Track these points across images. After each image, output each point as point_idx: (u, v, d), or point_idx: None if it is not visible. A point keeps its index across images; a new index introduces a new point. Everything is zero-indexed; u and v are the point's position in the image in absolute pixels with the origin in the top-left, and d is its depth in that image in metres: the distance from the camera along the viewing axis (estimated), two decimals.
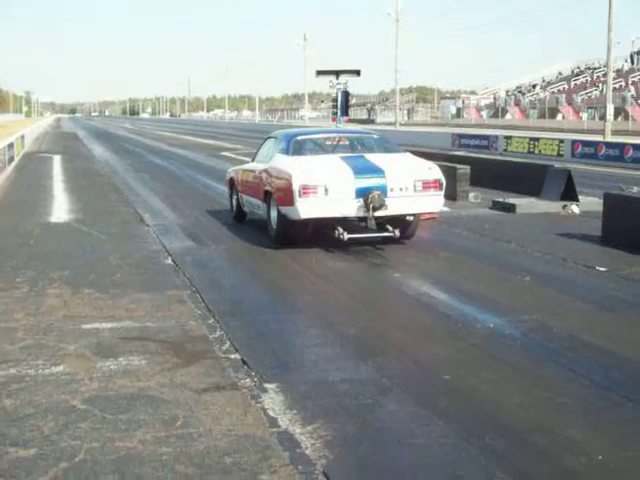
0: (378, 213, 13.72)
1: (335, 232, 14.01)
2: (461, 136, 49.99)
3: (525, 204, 19.44)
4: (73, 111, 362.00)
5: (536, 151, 40.87)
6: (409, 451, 6.12)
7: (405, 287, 11.70)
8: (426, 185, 14.16)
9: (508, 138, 44.61)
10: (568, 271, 12.66)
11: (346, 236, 13.88)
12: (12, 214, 19.67)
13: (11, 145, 35.80)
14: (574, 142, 40.08)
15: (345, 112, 39.65)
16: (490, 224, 17.33)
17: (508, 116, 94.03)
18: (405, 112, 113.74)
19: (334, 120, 40.27)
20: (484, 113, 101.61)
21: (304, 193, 13.47)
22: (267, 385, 7.46)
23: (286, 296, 11.25)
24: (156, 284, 11.67)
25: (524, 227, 17.14)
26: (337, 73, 38.56)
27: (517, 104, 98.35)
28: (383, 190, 13.65)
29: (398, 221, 14.41)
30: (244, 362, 8.12)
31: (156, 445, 6.08)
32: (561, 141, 40.79)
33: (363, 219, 14.25)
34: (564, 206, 19.06)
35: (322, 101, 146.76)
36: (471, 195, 21.30)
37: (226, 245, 15.06)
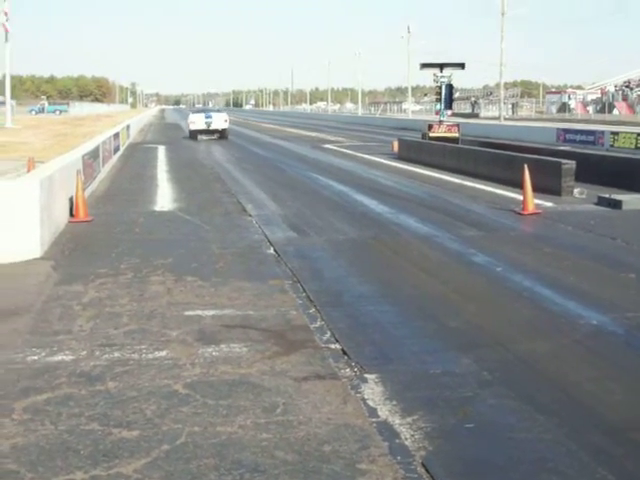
0: (210, 128, 51.85)
1: (198, 136, 50.95)
2: (566, 131, 49.06)
3: (632, 200, 19.01)
4: (177, 102, 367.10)
5: None
6: (509, 445, 6.06)
7: (508, 281, 11.57)
8: (225, 120, 53.41)
9: (615, 134, 43.60)
10: None
11: (205, 137, 51.37)
12: (118, 202, 20.06)
13: (117, 135, 36.48)
14: None
15: (449, 105, 39.29)
16: (595, 220, 17.02)
17: (615, 111, 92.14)
18: (509, 106, 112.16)
19: (437, 114, 40.00)
20: (590, 108, 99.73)
21: (191, 122, 52.44)
22: (367, 375, 7.45)
23: (387, 288, 11.21)
24: (258, 273, 11.77)
25: (630, 223, 16.80)
26: (441, 66, 38.21)
27: (625, 99, 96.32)
28: (211, 121, 52.05)
29: (218, 131, 52.11)
30: (344, 352, 8.14)
31: (256, 431, 6.13)
32: None
33: (206, 131, 51.86)
34: None
35: (425, 94, 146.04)
36: (576, 190, 20.93)
37: (328, 236, 15.09)
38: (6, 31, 63.68)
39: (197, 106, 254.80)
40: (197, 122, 52.25)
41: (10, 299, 10.24)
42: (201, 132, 51.99)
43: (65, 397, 6.82)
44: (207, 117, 53.30)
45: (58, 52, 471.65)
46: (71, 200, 16.70)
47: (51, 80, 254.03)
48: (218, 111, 63.78)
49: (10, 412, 6.48)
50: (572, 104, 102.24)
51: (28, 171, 20.87)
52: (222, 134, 52.29)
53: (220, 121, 52.89)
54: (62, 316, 9.36)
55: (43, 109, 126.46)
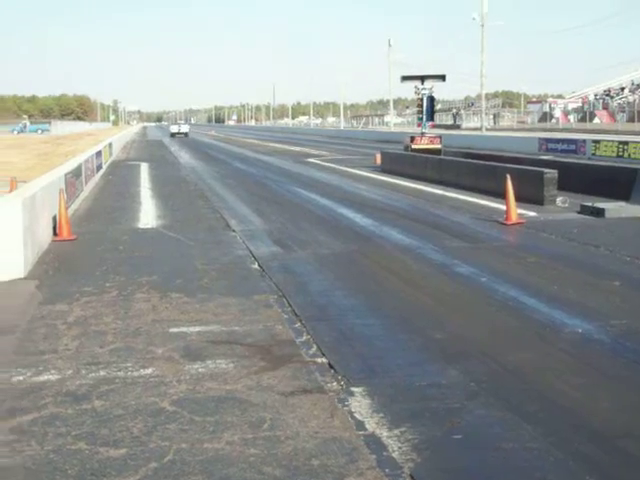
0: (180, 131, 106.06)
1: (175, 135, 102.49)
2: (548, 140, 49.30)
3: (614, 208, 19.11)
4: (159, 119, 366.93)
5: (625, 155, 40.01)
6: (497, 455, 6.06)
7: (492, 291, 11.60)
8: (188, 127, 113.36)
9: (596, 142, 43.81)
10: None
11: (176, 135, 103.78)
12: (101, 220, 20.03)
13: (99, 153, 36.46)
14: None
15: (430, 117, 39.48)
16: (578, 228, 17.08)
17: (596, 120, 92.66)
18: (491, 117, 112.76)
19: (419, 126, 40.15)
20: (571, 117, 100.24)
21: (171, 128, 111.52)
22: (354, 389, 7.46)
23: (372, 300, 11.21)
24: (243, 289, 11.76)
25: (613, 231, 16.87)
26: (422, 78, 38.44)
27: (605, 108, 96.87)
28: (180, 128, 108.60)
29: (184, 132, 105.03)
30: (330, 366, 8.14)
31: (244, 447, 6.13)
32: None
33: (178, 132, 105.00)
34: None
35: (407, 107, 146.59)
36: (559, 199, 21.03)
37: (312, 250, 15.10)
38: None
39: (179, 122, 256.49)
40: (173, 129, 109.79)
41: None
42: (175, 134, 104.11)
43: (51, 417, 6.79)
44: (178, 126, 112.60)
45: (39, 71, 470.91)
46: (54, 219, 16.67)
47: (33, 99, 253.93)
48: (185, 123, 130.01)
49: None
50: (557, 113, 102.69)
51: (10, 191, 20.79)
52: (186, 134, 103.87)
53: (185, 128, 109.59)
54: (47, 335, 9.33)
55: (25, 128, 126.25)
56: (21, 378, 7.85)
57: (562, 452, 6.03)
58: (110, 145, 49.45)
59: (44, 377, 7.86)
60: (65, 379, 7.79)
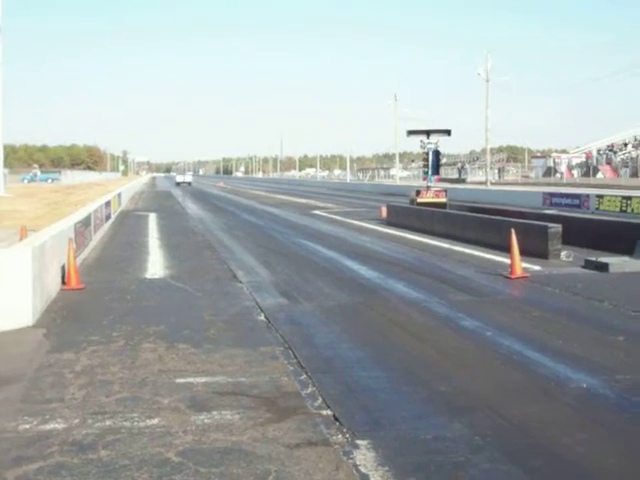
0: (185, 180, 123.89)
1: (180, 184, 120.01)
2: (552, 195, 49.52)
3: (618, 263, 19.16)
4: (168, 170, 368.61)
5: (629, 210, 40.19)
6: None
7: (497, 345, 11.62)
8: (191, 177, 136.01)
9: (600, 197, 44.01)
10: None
11: (181, 184, 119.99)
12: (109, 270, 20.10)
13: (108, 203, 36.64)
14: None
15: (436, 171, 39.68)
16: (583, 283, 17.12)
17: (599, 175, 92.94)
18: (496, 171, 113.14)
19: (424, 179, 40.36)
20: (575, 172, 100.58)
21: (177, 178, 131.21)
22: (359, 441, 7.48)
23: (378, 353, 11.24)
24: (249, 340, 11.80)
25: (617, 286, 16.90)
26: (428, 133, 38.69)
27: (609, 163, 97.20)
28: (184, 178, 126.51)
29: (188, 182, 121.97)
30: (336, 418, 8.17)
31: None
32: None
33: (182, 182, 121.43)
34: None
35: (413, 160, 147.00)
36: (563, 254, 21.09)
37: (318, 302, 15.15)
38: None
39: (187, 173, 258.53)
40: (179, 178, 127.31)
41: (2, 367, 10.25)
42: (179, 183, 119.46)
43: (57, 466, 6.82)
44: (183, 176, 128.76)
45: (50, 122, 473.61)
46: (63, 268, 16.76)
47: (43, 149, 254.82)
48: (189, 174, 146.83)
49: None
50: (562, 168, 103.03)
51: (20, 239, 20.92)
52: (189, 184, 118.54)
53: (189, 177, 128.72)
54: (54, 384, 9.37)
55: (35, 177, 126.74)
56: (27, 426, 7.88)
57: None
58: (119, 195, 49.68)
59: (50, 426, 7.90)
60: (71, 428, 7.82)
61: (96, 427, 7.85)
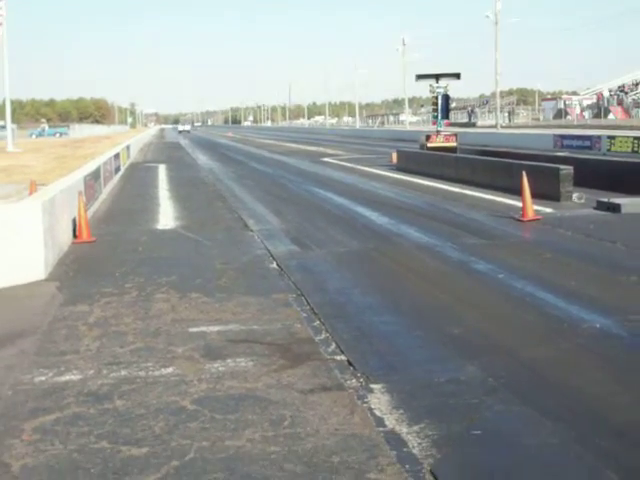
0: (184, 129, 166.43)
1: (180, 132, 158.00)
2: (563, 137, 49.15)
3: (630, 203, 19.06)
4: (176, 121, 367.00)
5: None
6: (516, 451, 6.10)
7: (509, 288, 11.62)
8: (190, 127, 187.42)
9: (611, 138, 43.66)
10: None
11: (181, 132, 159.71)
12: (120, 222, 20.12)
13: (117, 155, 36.60)
14: None
15: (446, 116, 39.43)
16: (594, 224, 17.07)
17: (611, 116, 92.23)
18: (506, 114, 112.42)
19: (434, 124, 40.15)
20: (586, 113, 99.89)
21: (179, 128, 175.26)
22: (373, 386, 7.50)
23: (390, 298, 11.25)
24: (261, 288, 11.82)
25: (629, 227, 16.86)
26: (437, 77, 38.36)
27: (620, 104, 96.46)
28: (184, 127, 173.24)
29: (187, 130, 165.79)
30: (350, 363, 8.18)
31: (264, 444, 6.17)
32: None
33: (183, 130, 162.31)
34: None
35: (422, 105, 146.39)
36: (575, 196, 21.01)
37: (330, 249, 15.14)
38: None
39: (196, 124, 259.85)
40: (180, 127, 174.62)
41: (16, 321, 10.30)
42: (181, 131, 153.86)
43: (74, 416, 6.86)
44: (183, 126, 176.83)
45: (57, 75, 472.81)
46: (74, 221, 16.77)
47: (51, 103, 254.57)
48: (189, 124, 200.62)
49: (19, 433, 6.52)
50: (577, 110, 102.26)
51: (30, 194, 20.93)
52: (188, 131, 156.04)
53: (188, 127, 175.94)
54: (68, 336, 9.40)
55: (43, 132, 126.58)
56: (43, 378, 7.92)
57: (582, 447, 6.05)
58: (128, 147, 49.62)
59: (66, 377, 7.93)
60: (87, 379, 7.85)
61: (111, 377, 7.88)
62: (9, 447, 6.24)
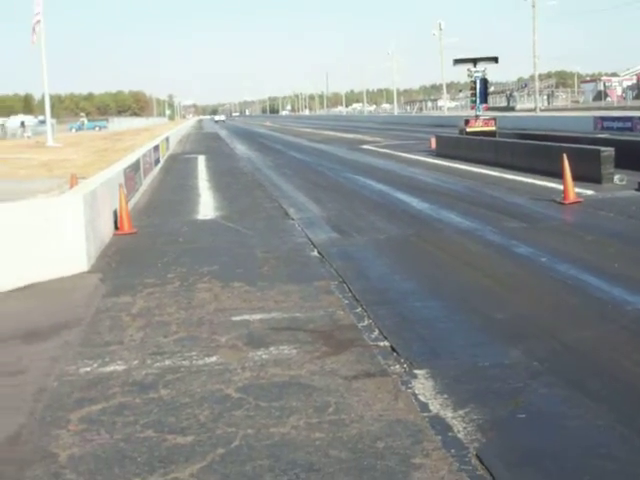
0: (220, 119, 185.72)
1: (217, 121, 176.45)
2: (603, 119, 48.70)
3: None
4: (214, 112, 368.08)
5: None
6: (561, 433, 6.06)
7: (552, 271, 11.54)
8: (225, 117, 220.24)
9: None
10: None
11: (217, 121, 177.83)
12: (161, 213, 20.22)
13: (156, 147, 36.76)
14: None
15: (484, 100, 39.18)
16: (637, 206, 16.91)
17: None
18: (545, 97, 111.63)
19: (473, 109, 39.94)
20: (627, 95, 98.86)
21: (214, 118, 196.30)
22: (417, 371, 7.49)
23: (432, 283, 11.22)
24: (303, 276, 11.83)
25: None
26: (474, 61, 38.14)
27: None
28: (219, 117, 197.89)
29: (223, 120, 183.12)
30: (393, 349, 8.17)
31: (309, 431, 6.18)
32: None
33: (219, 120, 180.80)
34: None
35: (460, 90, 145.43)
36: (616, 177, 20.82)
37: (370, 235, 15.12)
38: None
39: (234, 115, 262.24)
40: (216, 117, 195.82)
41: (60, 313, 10.39)
42: (217, 121, 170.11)
43: (119, 406, 6.91)
44: (219, 116, 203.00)
45: (95, 69, 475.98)
46: (115, 213, 16.88)
47: (89, 97, 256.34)
48: (225, 114, 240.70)
49: (66, 423, 6.58)
50: (618, 91, 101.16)
51: (71, 187, 21.08)
52: (224, 121, 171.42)
53: (223, 117, 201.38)
54: (112, 327, 9.47)
55: (83, 126, 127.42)
56: (88, 369, 7.98)
57: (627, 428, 6.01)
58: (167, 139, 49.81)
59: (111, 368, 7.99)
60: (131, 369, 7.91)
61: (155, 367, 7.93)
62: (56, 437, 6.30)
